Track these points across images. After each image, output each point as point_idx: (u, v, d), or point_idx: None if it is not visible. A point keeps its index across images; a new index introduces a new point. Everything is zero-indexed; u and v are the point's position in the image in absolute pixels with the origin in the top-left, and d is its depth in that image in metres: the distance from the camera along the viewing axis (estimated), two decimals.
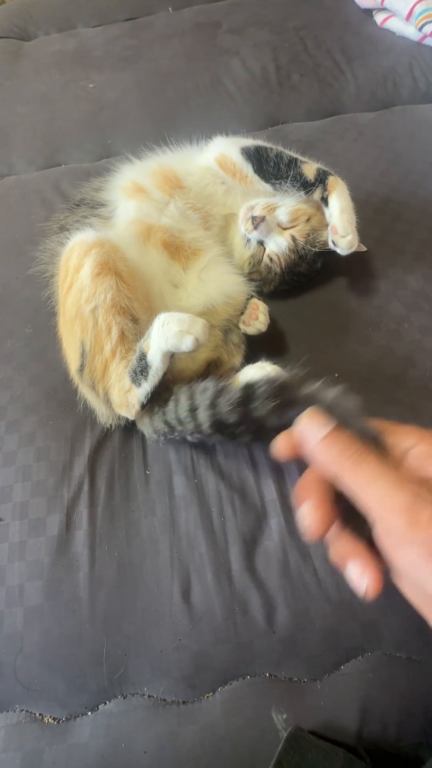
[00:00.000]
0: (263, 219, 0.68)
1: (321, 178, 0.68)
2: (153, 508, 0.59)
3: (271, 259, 0.71)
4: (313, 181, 0.68)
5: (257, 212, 0.69)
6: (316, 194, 0.69)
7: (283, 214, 0.69)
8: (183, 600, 0.54)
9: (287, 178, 0.69)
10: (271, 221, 0.69)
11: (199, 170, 0.73)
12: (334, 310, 0.74)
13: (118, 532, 0.58)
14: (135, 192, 0.70)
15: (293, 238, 0.69)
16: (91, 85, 1.18)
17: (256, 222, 0.68)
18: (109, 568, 0.56)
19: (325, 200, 0.68)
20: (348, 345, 0.70)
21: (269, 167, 0.69)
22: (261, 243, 0.71)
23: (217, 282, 0.67)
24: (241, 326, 0.67)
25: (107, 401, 0.61)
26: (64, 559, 0.57)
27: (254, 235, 0.70)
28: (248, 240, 0.71)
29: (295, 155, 0.71)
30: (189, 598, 0.55)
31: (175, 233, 0.68)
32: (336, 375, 0.68)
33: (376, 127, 1.00)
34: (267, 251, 0.71)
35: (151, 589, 0.55)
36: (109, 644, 0.53)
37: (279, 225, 0.70)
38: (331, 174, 0.69)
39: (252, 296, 0.70)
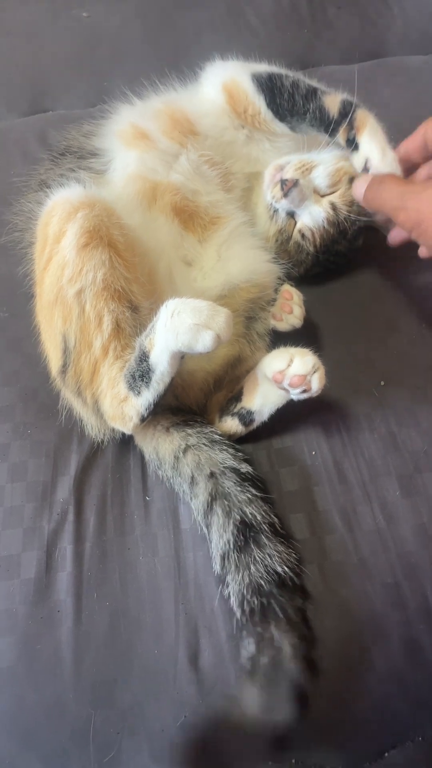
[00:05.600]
0: (296, 183, 0.54)
1: (346, 112, 0.53)
2: (154, 546, 0.49)
3: (303, 236, 0.57)
4: (337, 116, 0.53)
5: (288, 174, 0.54)
6: (341, 136, 0.54)
7: (321, 176, 0.55)
8: (190, 665, 0.44)
9: (305, 114, 0.54)
10: (306, 186, 0.54)
11: (215, 110, 0.57)
12: (379, 300, 0.62)
13: (111, 576, 0.48)
14: (136, 139, 0.55)
15: (333, 207, 0.55)
16: (85, 14, 1.01)
17: (287, 187, 0.54)
18: (98, 622, 0.46)
19: (351, 142, 0.53)
20: (397, 345, 0.58)
21: (283, 100, 0.55)
22: (291, 215, 0.57)
23: (240, 259, 0.54)
24: (271, 321, 0.53)
25: (97, 411, 0.49)
26: (43, 609, 0.47)
27: (283, 205, 0.55)
28: (275, 211, 0.57)
29: (314, 84, 0.56)
30: (197, 662, 0.45)
31: (188, 195, 0.54)
32: (382, 383, 0.55)
33: (429, 72, 0.85)
34: (298, 225, 0.57)
35: (150, 649, 0.45)
36: (98, 718, 0.44)
37: (315, 191, 0.55)
38: (359, 107, 0.54)
39: (283, 282, 0.56)
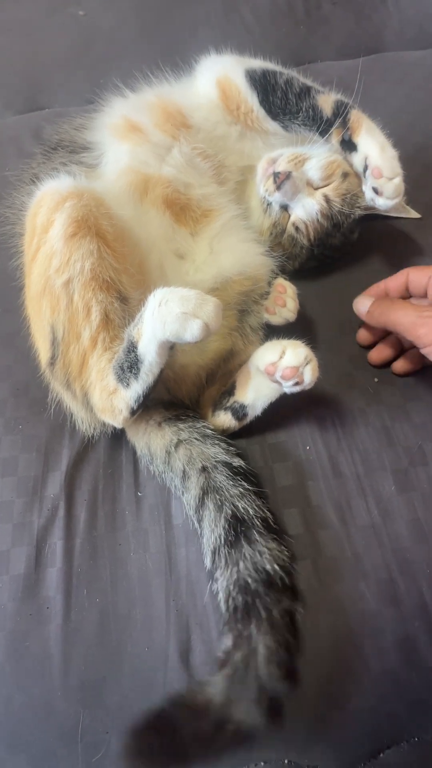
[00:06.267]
0: (288, 176, 0.53)
1: (340, 113, 0.53)
2: (145, 542, 0.48)
3: (297, 229, 0.56)
4: (330, 116, 0.53)
5: (281, 167, 0.54)
6: (334, 136, 0.54)
7: (314, 169, 0.54)
8: (181, 663, 0.44)
9: (298, 113, 0.54)
10: (299, 179, 0.54)
11: (207, 104, 0.57)
12: None
13: (101, 572, 0.47)
14: (128, 132, 0.54)
15: (327, 200, 0.54)
16: (81, 12, 1.01)
17: (280, 180, 0.53)
18: (88, 619, 0.45)
19: (346, 143, 0.53)
20: None
21: (276, 98, 0.55)
22: (285, 208, 0.56)
23: (233, 252, 0.53)
24: (265, 315, 0.53)
25: (87, 404, 0.48)
26: (31, 606, 0.46)
27: (276, 198, 0.55)
28: (269, 204, 0.56)
29: (309, 83, 0.56)
30: (189, 660, 0.44)
31: (180, 188, 0.53)
32: (376, 380, 0.55)
33: (425, 67, 0.84)
34: (292, 218, 0.56)
35: (141, 647, 0.44)
36: (87, 718, 0.43)
37: (309, 183, 0.55)
38: (353, 107, 0.54)
39: (277, 275, 0.55)
